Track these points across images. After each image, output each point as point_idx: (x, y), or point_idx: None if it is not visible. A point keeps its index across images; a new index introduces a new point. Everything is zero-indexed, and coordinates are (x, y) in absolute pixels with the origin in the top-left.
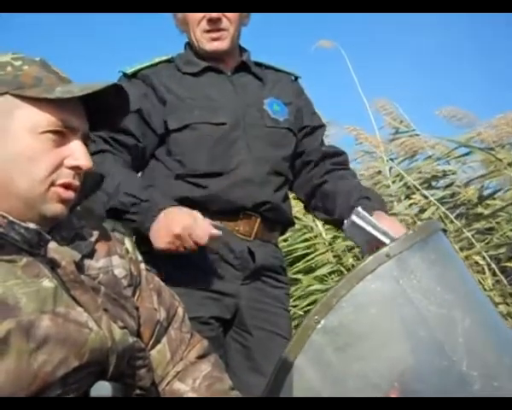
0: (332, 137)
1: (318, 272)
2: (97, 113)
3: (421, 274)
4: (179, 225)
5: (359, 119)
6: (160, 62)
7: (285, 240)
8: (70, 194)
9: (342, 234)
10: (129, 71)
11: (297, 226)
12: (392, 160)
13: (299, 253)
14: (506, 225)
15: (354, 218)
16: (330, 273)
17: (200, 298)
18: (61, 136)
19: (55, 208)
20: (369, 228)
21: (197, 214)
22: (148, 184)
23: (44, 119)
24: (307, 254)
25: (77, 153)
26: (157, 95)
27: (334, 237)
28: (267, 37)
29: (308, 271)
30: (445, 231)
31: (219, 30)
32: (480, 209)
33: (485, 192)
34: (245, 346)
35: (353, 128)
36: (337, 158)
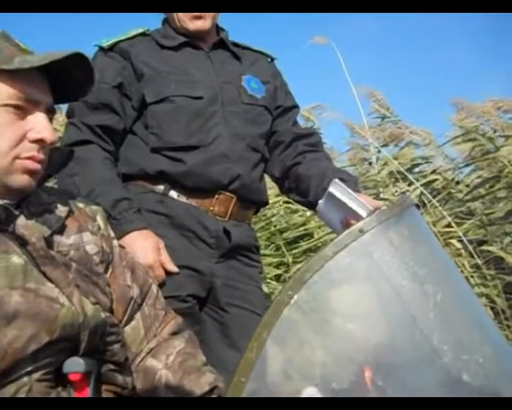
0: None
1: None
2: (63, 84)
3: (394, 249)
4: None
5: (347, 106)
6: (136, 35)
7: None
8: (36, 166)
9: None
10: (105, 44)
11: (293, 207)
12: (376, 147)
13: (296, 234)
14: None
15: (331, 189)
16: None
17: (177, 277)
18: (23, 109)
19: (21, 180)
20: (346, 199)
21: (162, 250)
22: (125, 197)
23: (4, 91)
24: (306, 236)
25: (39, 126)
26: (134, 68)
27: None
28: (261, 31)
29: (306, 251)
30: (418, 206)
31: None
32: (458, 194)
33: (460, 177)
34: (221, 323)
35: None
36: (309, 139)
